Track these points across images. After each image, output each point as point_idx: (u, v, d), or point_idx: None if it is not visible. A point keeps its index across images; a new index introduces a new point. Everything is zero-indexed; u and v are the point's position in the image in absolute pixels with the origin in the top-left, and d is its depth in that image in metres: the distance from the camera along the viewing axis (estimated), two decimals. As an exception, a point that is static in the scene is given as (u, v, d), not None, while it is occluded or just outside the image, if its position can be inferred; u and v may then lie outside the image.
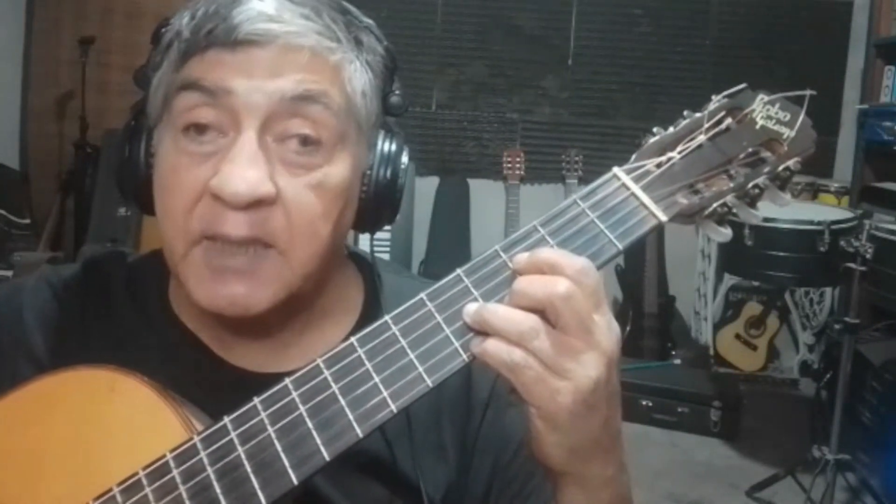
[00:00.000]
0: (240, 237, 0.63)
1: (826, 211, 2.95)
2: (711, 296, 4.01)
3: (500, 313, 0.56)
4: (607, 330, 0.57)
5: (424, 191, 4.09)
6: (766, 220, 2.68)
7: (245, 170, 0.62)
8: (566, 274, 0.56)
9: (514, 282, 0.57)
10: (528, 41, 4.11)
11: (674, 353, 3.81)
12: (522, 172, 4.02)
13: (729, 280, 3.95)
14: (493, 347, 0.56)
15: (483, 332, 0.57)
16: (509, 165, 4.01)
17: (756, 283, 3.82)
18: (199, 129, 0.64)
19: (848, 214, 2.81)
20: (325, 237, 0.67)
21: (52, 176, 4.12)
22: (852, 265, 2.54)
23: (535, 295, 0.56)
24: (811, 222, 2.65)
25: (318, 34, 0.65)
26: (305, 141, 0.65)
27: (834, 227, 2.64)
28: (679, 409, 3.35)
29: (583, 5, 4.08)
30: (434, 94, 4.14)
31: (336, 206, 0.67)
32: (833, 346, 3.12)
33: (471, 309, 0.57)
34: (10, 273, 3.48)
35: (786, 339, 4.03)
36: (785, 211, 2.70)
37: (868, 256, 2.51)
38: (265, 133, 0.64)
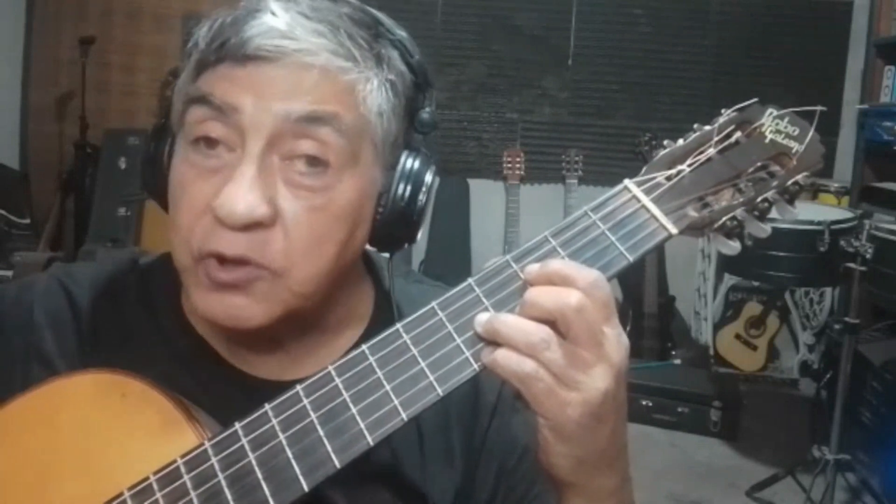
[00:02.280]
0: (234, 256, 0.63)
1: (826, 211, 2.94)
2: (711, 296, 4.01)
3: (511, 323, 0.56)
4: (617, 343, 0.57)
5: (424, 191, 4.08)
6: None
7: (244, 192, 0.61)
8: (578, 286, 0.56)
9: (526, 292, 0.57)
10: (528, 41, 4.11)
11: (674, 353, 3.81)
12: (522, 172, 4.02)
13: (729, 280, 3.95)
14: (503, 358, 0.56)
15: (494, 342, 0.57)
16: (509, 165, 4.01)
17: (756, 283, 3.81)
18: (209, 142, 0.64)
19: (848, 214, 2.81)
20: (327, 259, 0.66)
21: (52, 176, 4.13)
22: (852, 265, 2.54)
23: (547, 306, 0.56)
24: (811, 222, 2.65)
25: (330, 52, 0.63)
26: (313, 161, 0.64)
27: (834, 227, 2.63)
28: (679, 409, 3.35)
29: (583, 5, 4.08)
30: (434, 94, 4.12)
31: (341, 228, 0.66)
32: (833, 346, 3.12)
33: (482, 319, 0.57)
34: (10, 273, 3.47)
35: (786, 339, 4.03)
36: (785, 211, 2.69)
37: (868, 256, 2.51)
38: (271, 152, 0.63)
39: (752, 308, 3.94)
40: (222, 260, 0.63)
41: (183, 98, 0.67)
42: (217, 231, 0.62)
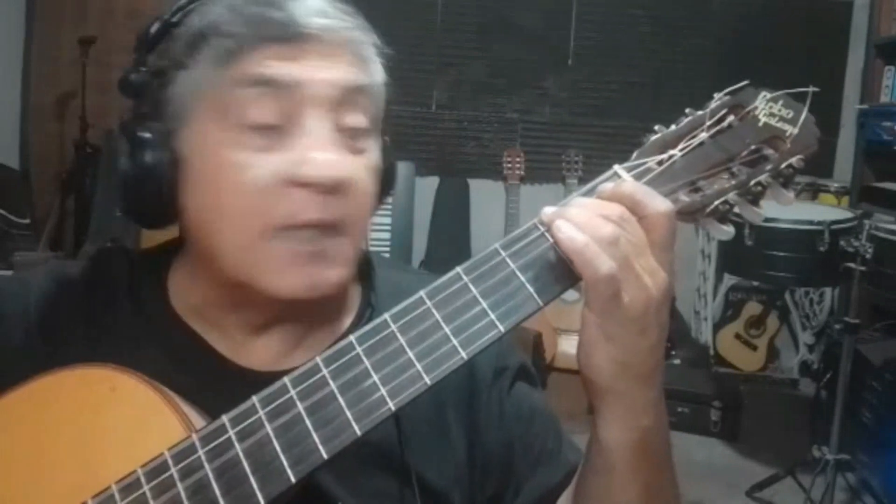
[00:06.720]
0: (332, 219, 0.66)
1: (826, 211, 2.94)
2: (711, 296, 4.01)
3: (589, 201, 0.60)
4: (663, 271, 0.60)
5: (424, 191, 4.08)
6: (766, 220, 2.65)
7: (329, 154, 0.65)
8: (648, 211, 0.59)
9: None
10: (528, 41, 4.11)
11: (674, 353, 3.81)
12: (522, 172, 4.02)
13: (729, 280, 3.95)
14: (586, 219, 0.58)
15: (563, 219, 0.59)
16: (509, 165, 4.01)
17: (756, 283, 3.81)
18: (258, 123, 0.65)
19: (848, 214, 2.80)
20: (371, 217, 0.72)
21: (52, 176, 4.12)
22: (852, 265, 2.54)
23: (635, 196, 0.60)
24: (811, 222, 2.65)
25: (356, 28, 0.69)
26: (357, 129, 0.69)
27: (834, 227, 2.63)
28: (679, 409, 3.34)
29: (583, 5, 4.08)
30: (434, 94, 4.13)
31: (376, 187, 0.72)
32: (833, 346, 3.11)
33: (549, 210, 0.61)
34: (10, 273, 3.47)
35: (786, 339, 4.03)
36: (785, 211, 2.70)
37: (868, 256, 2.51)
38: (326, 121, 0.67)
39: (752, 308, 3.93)
40: (306, 228, 0.65)
41: (211, 86, 0.66)
42: (300, 200, 0.65)
